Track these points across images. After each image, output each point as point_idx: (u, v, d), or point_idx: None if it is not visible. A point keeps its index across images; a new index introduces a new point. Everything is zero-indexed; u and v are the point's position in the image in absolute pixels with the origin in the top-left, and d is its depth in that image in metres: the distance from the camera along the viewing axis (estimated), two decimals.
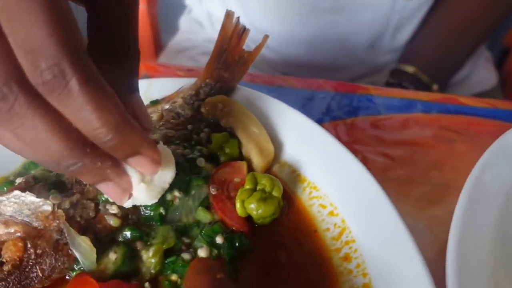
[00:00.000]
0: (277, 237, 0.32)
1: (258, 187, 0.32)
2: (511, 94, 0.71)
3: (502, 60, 0.81)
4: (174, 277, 0.28)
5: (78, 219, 0.28)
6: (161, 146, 0.28)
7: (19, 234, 0.26)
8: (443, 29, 0.62)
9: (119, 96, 0.21)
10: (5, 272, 0.25)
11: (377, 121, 0.44)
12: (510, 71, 0.76)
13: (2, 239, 0.26)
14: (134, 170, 0.25)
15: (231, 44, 0.40)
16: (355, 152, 0.34)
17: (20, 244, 0.26)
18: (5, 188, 0.31)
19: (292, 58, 0.64)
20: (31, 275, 0.26)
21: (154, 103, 0.39)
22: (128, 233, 0.29)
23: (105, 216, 0.29)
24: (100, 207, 0.29)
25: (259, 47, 0.40)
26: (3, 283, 0.25)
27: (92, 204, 0.29)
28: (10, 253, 0.26)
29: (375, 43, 0.64)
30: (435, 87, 0.59)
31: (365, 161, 0.33)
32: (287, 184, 0.35)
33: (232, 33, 0.40)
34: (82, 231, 0.28)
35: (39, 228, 0.27)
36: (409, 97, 0.48)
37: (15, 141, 0.20)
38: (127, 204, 0.27)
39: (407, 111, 0.46)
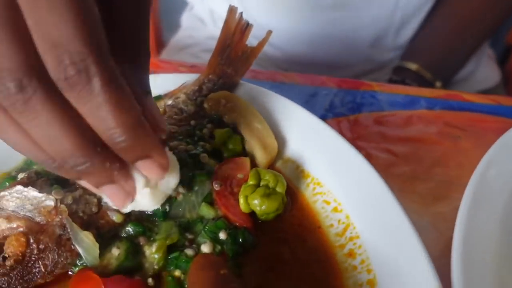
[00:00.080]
0: (281, 233, 0.31)
1: (262, 183, 0.32)
2: None
3: (504, 58, 0.81)
4: (177, 272, 0.28)
5: (81, 214, 0.28)
6: (167, 151, 0.27)
7: (21, 229, 0.26)
8: (446, 27, 0.62)
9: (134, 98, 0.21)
10: (8, 267, 0.25)
11: (380, 117, 0.44)
12: None
13: (4, 234, 0.26)
14: (139, 174, 0.24)
15: (234, 40, 0.40)
16: (358, 148, 0.33)
17: (23, 239, 0.26)
18: (7, 184, 0.31)
19: (294, 55, 0.64)
20: (34, 270, 0.26)
21: (157, 98, 0.39)
22: (131, 229, 0.29)
23: (108, 212, 0.29)
24: (103, 202, 0.29)
25: (262, 43, 0.40)
26: (6, 278, 0.25)
27: (95, 200, 0.29)
28: (12, 248, 0.25)
29: (379, 40, 0.64)
30: (438, 84, 0.59)
31: (368, 157, 0.33)
32: (290, 180, 0.35)
33: (235, 29, 0.40)
34: (85, 226, 0.28)
35: (41, 223, 0.27)
36: (412, 94, 0.47)
37: (19, 136, 0.20)
38: (128, 209, 0.26)
39: (410, 107, 0.46)
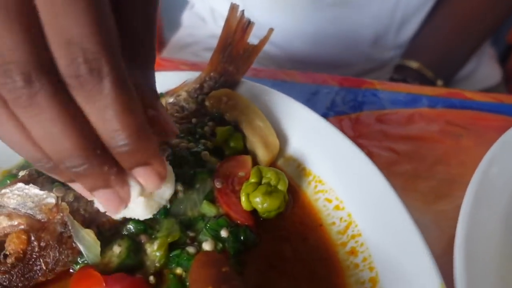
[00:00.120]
0: (282, 231, 0.31)
1: (263, 181, 0.32)
2: None
3: (505, 57, 0.81)
4: (179, 270, 0.28)
5: (82, 212, 0.28)
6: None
7: (22, 226, 0.26)
8: (448, 25, 0.62)
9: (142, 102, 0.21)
10: (9, 265, 0.25)
11: (382, 115, 0.44)
12: None
13: (5, 232, 0.26)
14: (135, 182, 0.24)
15: (235, 38, 0.40)
16: (360, 147, 0.33)
17: (24, 236, 0.26)
18: (8, 181, 0.31)
19: (295, 54, 0.63)
20: (35, 268, 0.25)
21: None
22: (132, 226, 0.29)
23: None
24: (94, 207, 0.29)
25: (263, 41, 0.39)
26: (7, 275, 0.25)
27: None
28: (13, 246, 0.25)
29: (380, 39, 0.64)
30: (439, 83, 0.59)
31: (370, 155, 0.33)
32: (292, 178, 0.35)
33: (237, 27, 0.40)
34: (86, 224, 0.28)
35: (42, 220, 0.27)
36: (414, 92, 0.47)
37: (16, 131, 0.19)
38: (119, 215, 0.26)
39: (412, 105, 0.45)
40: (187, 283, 0.27)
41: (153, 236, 0.29)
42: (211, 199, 0.31)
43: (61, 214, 0.27)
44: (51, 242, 0.26)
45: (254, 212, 0.31)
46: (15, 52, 0.17)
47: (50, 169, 0.21)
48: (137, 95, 0.20)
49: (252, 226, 0.31)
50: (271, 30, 0.39)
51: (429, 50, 0.62)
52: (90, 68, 0.18)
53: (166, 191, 0.27)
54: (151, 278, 0.27)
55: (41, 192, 0.27)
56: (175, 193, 0.30)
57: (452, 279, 0.26)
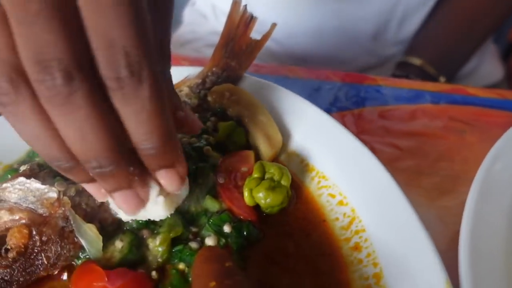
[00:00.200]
0: (285, 227, 0.31)
1: (266, 176, 0.32)
2: None
3: (507, 54, 0.80)
4: (181, 265, 0.28)
5: (84, 206, 0.28)
6: None
7: (24, 221, 0.26)
8: (450, 22, 0.62)
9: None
10: (10, 259, 0.25)
11: (385, 111, 0.44)
12: None
13: (7, 226, 0.26)
14: (154, 182, 0.24)
15: (238, 33, 0.40)
16: (363, 142, 0.33)
17: (25, 231, 0.25)
18: (9, 176, 0.31)
19: (297, 49, 0.63)
20: (36, 262, 0.25)
21: None
22: (134, 221, 0.28)
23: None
24: (109, 208, 0.28)
25: (266, 36, 0.39)
26: (8, 270, 0.25)
27: None
28: (15, 240, 0.25)
29: (381, 34, 0.64)
30: (442, 79, 0.58)
31: (373, 151, 0.32)
32: (295, 173, 0.35)
33: (239, 22, 0.39)
34: (88, 219, 0.27)
35: (44, 215, 0.26)
36: (417, 88, 0.47)
37: (41, 127, 0.19)
38: (137, 216, 0.26)
39: (415, 101, 0.45)
40: (190, 279, 0.27)
41: (155, 231, 0.28)
42: (214, 195, 0.31)
43: (63, 209, 0.27)
44: (52, 237, 0.26)
45: (257, 207, 0.31)
46: (57, 50, 0.17)
47: (68, 168, 0.21)
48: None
49: (255, 222, 0.30)
50: (274, 25, 0.38)
51: (432, 47, 0.61)
52: (131, 71, 0.18)
53: (183, 191, 0.27)
54: (154, 273, 0.27)
55: (43, 187, 0.27)
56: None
57: (456, 275, 0.26)
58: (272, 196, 0.30)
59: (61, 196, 0.27)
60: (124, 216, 0.27)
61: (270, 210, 0.31)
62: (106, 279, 0.25)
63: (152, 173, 0.23)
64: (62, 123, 0.19)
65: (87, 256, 0.27)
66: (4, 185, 0.27)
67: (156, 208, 0.25)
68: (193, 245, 0.28)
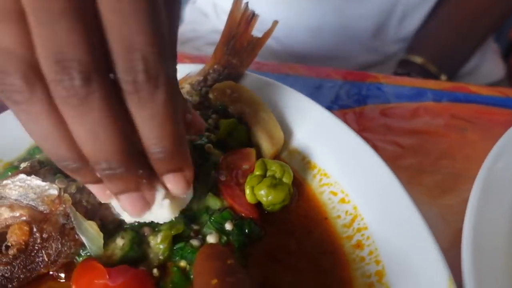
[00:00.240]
0: (287, 224, 0.31)
1: (268, 174, 0.31)
2: None
3: (508, 53, 0.80)
4: (182, 263, 0.28)
5: (85, 204, 0.28)
6: None
7: (24, 218, 0.26)
8: (451, 20, 0.62)
9: None
10: (10, 256, 0.25)
11: (386, 109, 0.44)
12: None
13: (7, 223, 0.26)
14: (160, 185, 0.24)
15: (239, 30, 0.39)
16: (364, 140, 0.33)
17: (26, 228, 0.25)
18: (9, 173, 0.30)
19: (297, 47, 0.63)
20: (37, 259, 0.25)
21: None
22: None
23: None
24: (114, 212, 0.28)
25: (268, 33, 0.39)
26: (8, 267, 0.24)
27: None
28: (15, 237, 0.25)
29: (381, 31, 0.64)
30: (443, 77, 0.58)
31: (375, 149, 0.32)
32: (297, 171, 0.34)
33: (241, 19, 0.39)
34: (89, 216, 0.27)
35: (45, 212, 0.26)
36: (419, 86, 0.47)
37: (53, 127, 0.19)
38: (141, 218, 0.26)
39: (417, 99, 0.45)
40: (191, 276, 0.27)
41: (156, 229, 0.28)
42: (215, 192, 0.31)
43: (64, 206, 0.26)
44: (53, 234, 0.26)
45: (258, 205, 0.31)
46: (77, 51, 0.17)
47: (75, 169, 0.21)
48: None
49: (257, 219, 0.30)
50: (275, 23, 0.38)
51: (433, 45, 0.61)
52: (148, 76, 0.18)
53: (188, 195, 0.27)
54: (155, 270, 0.27)
55: (43, 183, 0.27)
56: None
57: (457, 272, 0.26)
58: (274, 193, 0.30)
59: (62, 193, 0.27)
60: (127, 218, 0.27)
61: (271, 207, 0.31)
62: (107, 276, 0.25)
63: (159, 176, 0.23)
64: (76, 123, 0.19)
65: (88, 254, 0.27)
66: (5, 182, 0.27)
67: (161, 211, 0.26)
68: (195, 242, 0.28)
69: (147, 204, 0.24)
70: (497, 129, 0.38)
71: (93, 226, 0.27)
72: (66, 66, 0.17)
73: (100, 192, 0.24)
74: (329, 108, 0.43)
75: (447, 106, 0.45)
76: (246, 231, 0.29)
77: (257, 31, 0.39)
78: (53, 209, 0.26)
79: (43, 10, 0.17)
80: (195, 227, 0.29)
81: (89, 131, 0.19)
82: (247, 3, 0.39)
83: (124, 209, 0.24)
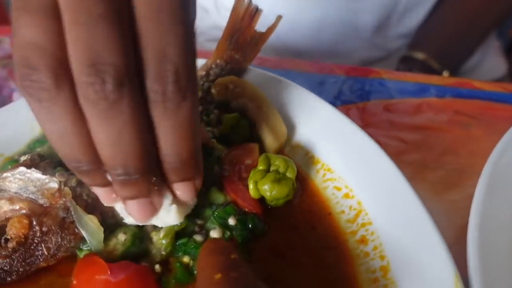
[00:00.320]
0: (291, 220, 0.31)
1: (272, 168, 0.31)
2: None
3: (510, 50, 0.80)
4: (186, 259, 0.27)
5: (85, 197, 0.27)
6: None
7: (24, 211, 0.25)
8: (454, 16, 0.61)
9: None
10: (10, 249, 0.24)
11: (390, 105, 0.43)
12: None
13: (7, 216, 0.25)
14: (168, 191, 0.24)
15: (243, 25, 0.39)
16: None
17: (25, 221, 0.25)
18: (9, 166, 0.30)
19: (298, 42, 0.63)
20: (36, 253, 0.25)
21: None
22: None
23: None
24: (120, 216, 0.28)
25: (271, 28, 0.39)
26: (8, 260, 0.24)
27: None
28: (15, 230, 0.24)
29: (383, 27, 0.63)
30: (445, 74, 0.58)
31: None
32: (300, 166, 0.34)
33: (244, 14, 0.39)
34: (89, 210, 0.27)
35: (45, 205, 0.26)
36: (422, 82, 0.47)
37: (74, 127, 0.19)
38: (151, 222, 0.26)
39: (420, 95, 0.45)
40: (195, 272, 0.27)
41: None
42: (219, 187, 0.31)
43: (64, 199, 0.26)
44: (53, 227, 0.25)
45: (262, 200, 0.31)
46: (112, 55, 0.17)
47: (86, 171, 0.21)
48: None
49: (260, 214, 0.30)
50: (279, 18, 0.38)
51: (435, 41, 0.61)
52: (178, 87, 0.19)
53: (194, 199, 0.27)
54: (157, 266, 0.27)
55: (44, 177, 0.26)
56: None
57: (462, 268, 0.26)
58: (278, 188, 0.30)
59: (62, 186, 0.26)
60: (130, 220, 0.26)
61: (275, 202, 0.31)
62: (109, 272, 0.24)
63: (170, 183, 0.23)
64: (100, 126, 0.19)
65: (89, 248, 0.26)
66: (5, 174, 0.26)
67: (168, 216, 0.25)
68: (198, 238, 0.28)
69: (154, 210, 0.24)
70: (501, 124, 0.38)
71: (93, 220, 0.26)
72: (100, 70, 0.17)
73: (106, 195, 0.24)
74: (332, 103, 0.43)
75: (451, 101, 0.44)
76: (250, 226, 0.29)
77: (258, 26, 0.39)
78: (53, 202, 0.26)
79: (82, 12, 0.17)
80: (199, 221, 0.29)
81: (112, 135, 0.19)
82: None
83: (130, 214, 0.24)
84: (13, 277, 0.24)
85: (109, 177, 0.21)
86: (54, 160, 0.29)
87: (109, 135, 0.19)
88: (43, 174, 0.26)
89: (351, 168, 0.32)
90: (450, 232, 0.32)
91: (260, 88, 0.37)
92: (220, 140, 0.34)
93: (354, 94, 0.44)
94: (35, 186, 0.26)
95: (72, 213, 0.26)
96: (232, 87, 0.37)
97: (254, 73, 0.39)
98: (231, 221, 0.29)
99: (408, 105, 0.44)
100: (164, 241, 0.27)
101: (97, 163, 0.20)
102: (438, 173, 0.38)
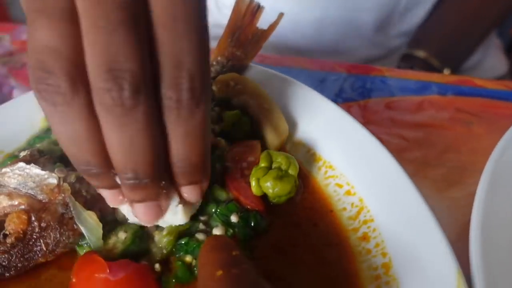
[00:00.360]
0: (293, 217, 0.30)
1: (274, 165, 0.31)
2: None
3: (511, 49, 0.80)
4: (188, 258, 0.27)
5: (84, 193, 0.27)
6: None
7: (23, 206, 0.25)
8: (455, 14, 0.61)
9: None
10: (8, 245, 0.24)
11: (391, 102, 0.43)
12: None
13: (5, 211, 0.25)
14: (175, 193, 0.24)
15: (244, 22, 0.39)
16: None
17: (24, 216, 0.24)
18: (8, 162, 0.30)
19: (299, 41, 0.63)
20: (35, 248, 0.24)
21: None
22: None
23: None
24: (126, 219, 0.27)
25: (273, 25, 0.39)
26: (6, 255, 0.24)
27: None
28: (13, 226, 0.24)
29: (384, 25, 0.63)
30: (446, 72, 0.58)
31: None
32: (301, 163, 0.34)
33: (246, 11, 0.39)
34: (88, 206, 0.26)
35: (43, 201, 0.25)
36: (423, 79, 0.46)
37: (86, 131, 0.19)
38: (159, 223, 0.26)
39: (422, 93, 0.45)
40: (196, 271, 0.26)
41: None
42: (221, 184, 0.30)
43: (63, 195, 0.26)
44: (51, 223, 0.25)
45: (264, 197, 0.30)
46: (130, 62, 0.17)
47: (95, 174, 0.21)
48: None
49: (263, 211, 0.30)
50: (281, 15, 0.38)
51: (436, 39, 0.61)
52: (192, 95, 0.19)
53: (200, 199, 0.27)
54: (157, 265, 0.26)
55: (43, 172, 0.26)
56: None
57: (464, 266, 0.26)
58: (280, 185, 0.29)
59: (61, 182, 0.26)
60: (135, 221, 0.26)
61: (277, 199, 0.30)
62: (108, 270, 0.24)
63: (178, 186, 0.23)
64: (114, 132, 0.19)
65: (88, 244, 0.26)
66: (4, 170, 0.26)
67: (174, 217, 0.25)
68: (200, 236, 0.27)
69: (161, 213, 0.24)
70: (502, 122, 0.38)
71: (92, 216, 0.26)
72: (117, 76, 0.17)
73: (112, 197, 0.24)
74: (334, 101, 0.42)
75: (452, 99, 0.44)
76: (252, 223, 0.29)
77: (259, 23, 0.39)
78: (52, 198, 0.26)
79: (101, 17, 0.17)
80: (202, 218, 0.28)
81: (125, 141, 0.19)
82: None
83: (137, 217, 0.24)
84: (11, 272, 0.24)
85: (117, 180, 0.21)
86: (54, 156, 0.29)
87: (122, 141, 0.19)
88: (42, 169, 0.26)
89: (353, 165, 0.32)
90: (451, 230, 0.32)
91: (261, 85, 0.37)
92: (221, 137, 0.33)
93: (355, 92, 0.44)
94: (34, 182, 0.26)
95: (71, 209, 0.25)
96: (233, 84, 0.37)
97: (256, 70, 0.39)
98: (233, 219, 0.28)
99: (410, 103, 0.43)
100: (166, 239, 0.27)
101: (106, 166, 0.20)
102: (439, 170, 0.37)
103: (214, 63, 0.39)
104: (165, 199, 0.24)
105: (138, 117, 0.18)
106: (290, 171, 0.30)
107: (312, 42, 0.63)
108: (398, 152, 0.38)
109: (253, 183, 0.30)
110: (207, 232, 0.28)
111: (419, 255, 0.27)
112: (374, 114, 0.42)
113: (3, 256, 0.24)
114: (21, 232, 0.24)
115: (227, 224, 0.28)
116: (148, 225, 0.26)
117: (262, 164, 0.31)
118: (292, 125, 0.36)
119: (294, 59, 0.49)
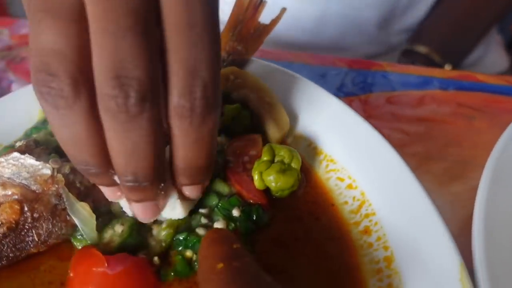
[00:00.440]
0: (295, 211, 0.30)
1: (276, 159, 0.30)
2: None
3: (511, 45, 0.80)
4: (189, 253, 0.26)
5: (78, 185, 0.26)
6: None
7: (16, 196, 0.24)
8: (456, 10, 0.61)
9: None
10: (0, 235, 0.23)
11: (392, 97, 0.43)
12: None
13: None
14: (174, 191, 0.24)
15: (246, 16, 0.38)
16: None
17: (17, 206, 0.24)
18: (4, 152, 0.29)
19: (300, 37, 0.62)
20: (27, 239, 0.24)
21: None
22: None
23: None
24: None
25: (275, 20, 0.38)
26: None
27: None
28: (6, 215, 0.24)
29: (386, 21, 0.63)
30: (447, 67, 0.58)
31: None
32: (303, 157, 0.33)
33: (248, 5, 0.38)
34: (81, 197, 0.26)
35: (37, 191, 0.25)
36: (425, 74, 0.46)
37: (88, 133, 0.18)
38: (159, 217, 0.26)
39: (423, 87, 0.44)
40: (196, 266, 0.26)
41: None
42: (223, 178, 0.30)
43: (56, 186, 0.25)
44: (44, 214, 0.24)
45: (266, 191, 0.30)
46: (138, 70, 0.17)
47: (94, 174, 0.20)
48: None
49: (265, 205, 0.29)
50: (283, 10, 0.37)
51: (437, 35, 0.61)
52: (206, 103, 0.18)
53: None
54: (155, 258, 0.26)
55: (37, 163, 0.25)
56: None
57: (467, 260, 0.25)
58: (283, 179, 0.29)
59: (55, 173, 0.25)
60: (132, 213, 0.26)
61: (280, 193, 0.30)
62: (106, 264, 0.23)
63: (180, 187, 0.23)
64: (117, 137, 0.18)
65: (81, 236, 0.25)
66: None
67: (172, 212, 0.25)
68: (200, 231, 0.27)
69: (158, 211, 0.24)
70: (504, 117, 0.38)
71: (85, 208, 0.25)
72: (124, 83, 0.17)
73: (111, 193, 0.23)
74: (335, 95, 0.42)
75: (454, 94, 0.44)
76: (254, 217, 0.28)
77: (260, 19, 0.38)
78: (45, 189, 0.25)
79: (111, 22, 0.16)
80: (203, 211, 0.28)
81: (128, 146, 0.18)
82: None
83: (134, 214, 0.24)
84: (3, 262, 0.23)
85: (116, 179, 0.21)
86: (50, 146, 0.28)
87: (125, 146, 0.19)
88: (36, 160, 0.25)
89: (354, 159, 0.32)
90: (454, 224, 0.32)
91: (262, 79, 0.36)
92: (222, 132, 0.33)
93: (356, 87, 0.44)
94: (28, 172, 0.25)
95: (64, 200, 0.25)
96: (233, 78, 0.36)
97: (257, 64, 0.39)
98: (235, 213, 0.28)
99: (411, 97, 0.43)
100: (165, 232, 0.26)
101: (105, 166, 0.20)
102: (441, 165, 0.37)
103: None
104: (163, 199, 0.24)
105: (143, 124, 0.18)
106: (293, 165, 0.30)
107: (313, 38, 0.62)
108: (400, 147, 0.38)
109: (256, 177, 0.29)
110: (208, 226, 0.27)
111: (421, 248, 0.26)
112: (375, 108, 0.41)
113: None
114: (14, 222, 0.23)
115: (228, 218, 0.28)
116: (145, 222, 0.26)
117: (265, 157, 0.30)
118: (293, 118, 0.35)
119: (295, 54, 0.49)
